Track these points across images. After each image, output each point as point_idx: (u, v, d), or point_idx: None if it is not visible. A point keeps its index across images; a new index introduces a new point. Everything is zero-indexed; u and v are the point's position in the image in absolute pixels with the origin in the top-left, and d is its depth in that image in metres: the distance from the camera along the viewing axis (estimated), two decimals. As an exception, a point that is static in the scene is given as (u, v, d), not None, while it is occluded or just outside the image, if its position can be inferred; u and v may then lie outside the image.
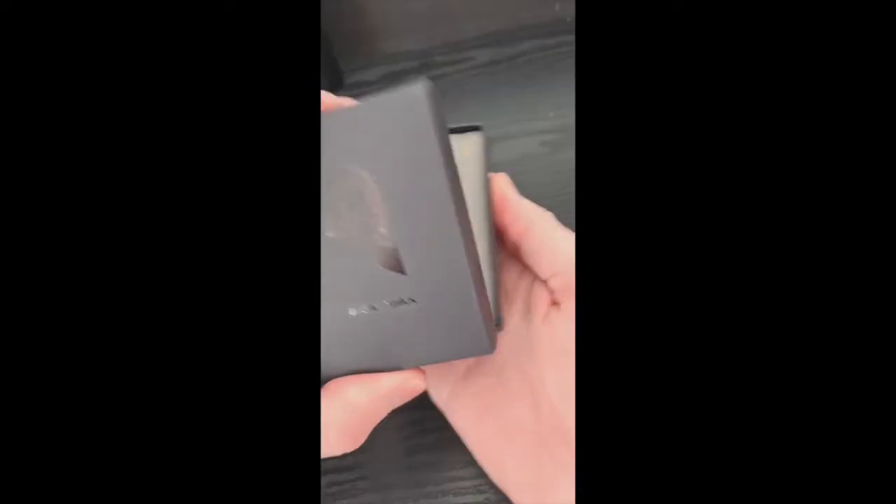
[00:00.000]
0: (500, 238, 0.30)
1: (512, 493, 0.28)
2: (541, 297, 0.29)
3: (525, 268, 0.30)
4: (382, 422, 0.23)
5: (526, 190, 0.30)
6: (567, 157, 0.36)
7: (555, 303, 0.28)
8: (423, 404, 0.31)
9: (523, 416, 0.28)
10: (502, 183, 0.30)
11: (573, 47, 0.37)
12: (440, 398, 0.30)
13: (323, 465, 0.32)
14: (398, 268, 0.21)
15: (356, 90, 0.38)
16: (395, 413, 0.23)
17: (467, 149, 0.29)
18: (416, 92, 0.20)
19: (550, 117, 0.36)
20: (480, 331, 0.22)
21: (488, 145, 0.29)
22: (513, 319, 0.30)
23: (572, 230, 0.28)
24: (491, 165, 0.29)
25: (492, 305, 0.27)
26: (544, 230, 0.28)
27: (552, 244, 0.28)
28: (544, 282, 0.29)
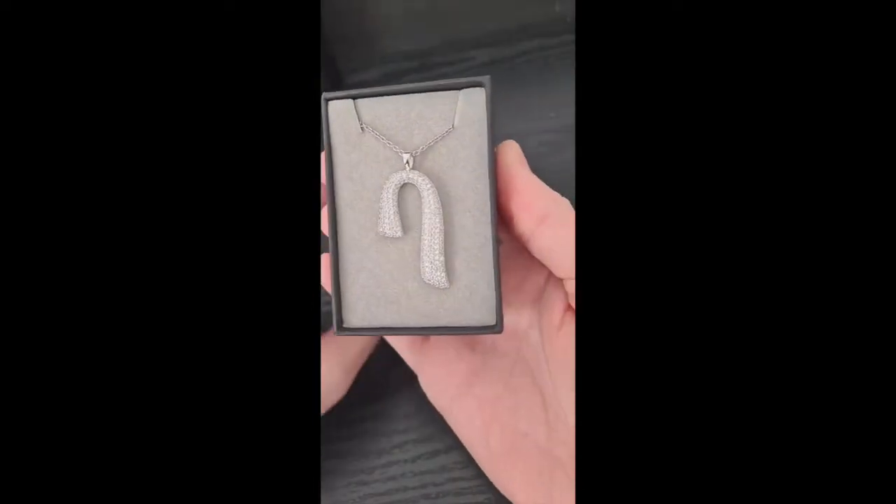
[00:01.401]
0: (505, 224, 0.25)
1: None
2: (555, 301, 0.26)
3: (534, 263, 0.26)
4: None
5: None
6: (567, 157, 0.36)
7: (571, 308, 0.25)
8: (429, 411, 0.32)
9: (535, 431, 0.26)
10: (513, 156, 0.24)
11: (573, 47, 0.37)
12: (440, 402, 0.28)
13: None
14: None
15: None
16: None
17: (468, 109, 0.24)
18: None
19: (550, 117, 0.36)
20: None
21: (494, 105, 0.23)
22: (521, 323, 0.27)
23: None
24: (497, 132, 0.24)
25: (493, 303, 0.24)
26: (562, 223, 0.23)
27: (572, 242, 0.23)
28: (559, 281, 0.25)
